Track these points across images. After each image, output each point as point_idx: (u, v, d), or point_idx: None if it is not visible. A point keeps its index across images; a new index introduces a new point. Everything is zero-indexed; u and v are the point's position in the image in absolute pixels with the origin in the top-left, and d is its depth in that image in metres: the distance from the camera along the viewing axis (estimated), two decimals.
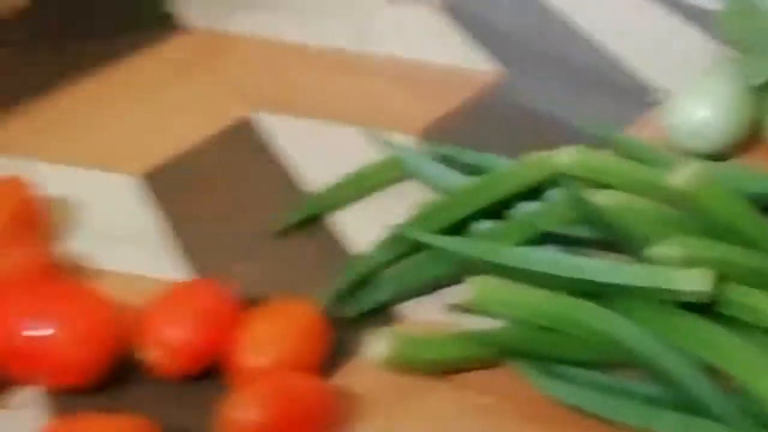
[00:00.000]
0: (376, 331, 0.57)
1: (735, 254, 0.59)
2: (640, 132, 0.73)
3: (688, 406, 0.55)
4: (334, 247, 0.65)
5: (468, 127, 0.74)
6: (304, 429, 0.52)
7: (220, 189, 0.69)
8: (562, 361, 0.57)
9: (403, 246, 0.62)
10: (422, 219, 0.64)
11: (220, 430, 0.52)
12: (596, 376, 0.57)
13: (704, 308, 0.58)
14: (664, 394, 0.56)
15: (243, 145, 0.73)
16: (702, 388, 0.54)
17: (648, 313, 0.57)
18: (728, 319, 0.58)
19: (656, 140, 0.70)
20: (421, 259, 0.62)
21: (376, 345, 0.56)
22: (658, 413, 0.55)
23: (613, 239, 0.61)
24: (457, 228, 0.63)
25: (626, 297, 0.58)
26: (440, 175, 0.68)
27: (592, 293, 0.58)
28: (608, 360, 0.57)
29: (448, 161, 0.69)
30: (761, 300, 0.57)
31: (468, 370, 0.57)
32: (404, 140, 0.72)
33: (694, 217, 0.61)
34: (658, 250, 0.58)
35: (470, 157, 0.69)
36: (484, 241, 0.62)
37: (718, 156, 0.71)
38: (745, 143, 0.72)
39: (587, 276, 0.58)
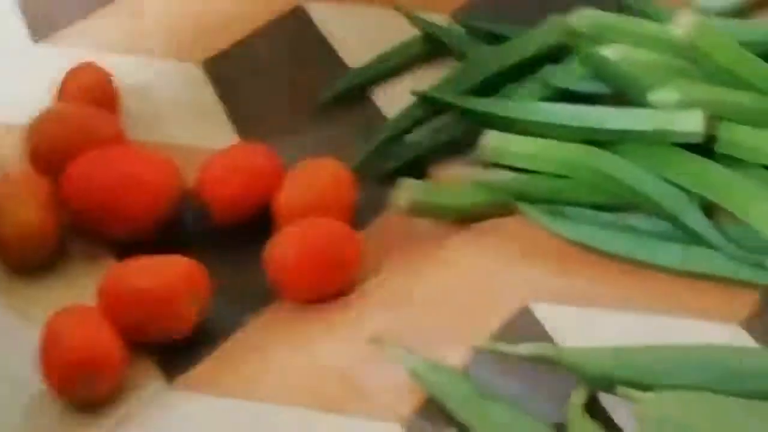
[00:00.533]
0: (400, 182, 0.63)
1: (732, 96, 0.63)
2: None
3: (688, 240, 0.60)
4: (371, 118, 0.71)
5: (498, 5, 0.78)
6: (333, 267, 0.59)
7: (272, 72, 0.76)
8: (571, 203, 0.63)
9: (428, 108, 0.68)
10: (446, 83, 0.70)
11: (265, 268, 0.59)
12: (603, 216, 0.63)
13: (704, 150, 0.63)
14: (666, 230, 0.61)
15: (295, 31, 0.79)
16: (698, 221, 0.60)
17: (650, 155, 0.62)
18: (727, 159, 0.63)
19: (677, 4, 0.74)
20: (445, 120, 0.68)
21: (399, 193, 0.63)
22: (660, 245, 0.60)
23: (620, 92, 0.66)
24: (480, 91, 0.69)
25: (630, 142, 0.63)
26: (471, 47, 0.73)
27: (600, 141, 0.64)
28: (614, 202, 0.63)
29: (479, 36, 0.74)
30: (757, 137, 0.62)
31: (485, 218, 0.63)
32: (438, 18, 0.77)
33: (696, 65, 0.65)
34: (657, 94, 0.64)
35: (500, 29, 0.74)
36: (502, 99, 0.68)
37: (737, 14, 0.74)
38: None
39: (593, 123, 0.64)
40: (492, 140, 0.64)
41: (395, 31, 0.76)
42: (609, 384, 0.52)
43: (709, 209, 0.61)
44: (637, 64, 0.66)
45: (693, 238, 0.60)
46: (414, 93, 0.69)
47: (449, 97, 0.68)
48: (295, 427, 0.54)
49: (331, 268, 0.59)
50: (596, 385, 0.53)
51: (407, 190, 0.63)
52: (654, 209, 0.61)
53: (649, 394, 0.50)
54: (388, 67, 0.74)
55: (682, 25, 0.64)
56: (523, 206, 0.62)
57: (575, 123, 0.64)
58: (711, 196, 0.61)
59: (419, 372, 0.54)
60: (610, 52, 0.66)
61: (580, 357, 0.53)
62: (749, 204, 0.59)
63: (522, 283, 0.60)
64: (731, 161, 0.62)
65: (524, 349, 0.53)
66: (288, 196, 0.62)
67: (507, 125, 0.65)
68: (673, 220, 0.60)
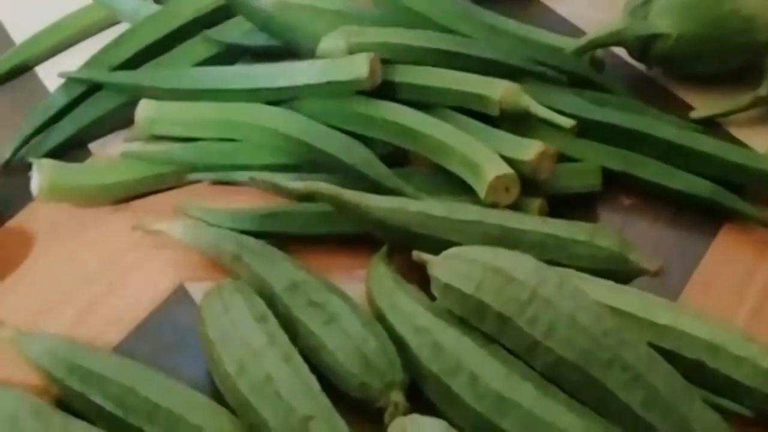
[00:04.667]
0: (37, 166, 0.55)
1: (400, 36, 0.58)
2: None
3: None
4: (34, 95, 0.63)
5: None
6: None
7: None
8: (245, 167, 0.56)
9: (83, 86, 0.61)
10: (101, 56, 0.62)
11: None
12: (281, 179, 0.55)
13: (386, 95, 0.57)
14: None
15: None
16: (376, 169, 0.54)
17: (328, 107, 0.57)
18: (414, 104, 0.57)
19: None
20: (100, 97, 0.60)
21: (37, 178, 0.55)
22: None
23: (292, 43, 0.60)
24: (144, 57, 0.62)
25: (303, 97, 0.57)
26: (146, 11, 0.66)
27: (273, 101, 0.58)
28: (293, 161, 0.57)
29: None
30: (424, 77, 0.57)
31: (146, 195, 0.57)
32: None
33: (371, 9, 0.61)
34: (324, 44, 0.58)
35: None
36: (162, 68, 0.61)
37: None
38: None
39: (260, 83, 0.57)
40: (144, 110, 0.57)
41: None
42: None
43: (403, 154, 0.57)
44: (301, 10, 0.61)
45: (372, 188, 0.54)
46: (61, 74, 0.61)
47: (97, 75, 0.60)
48: None
49: None
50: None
51: (45, 174, 0.55)
52: (333, 162, 0.55)
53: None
54: (57, 40, 0.66)
55: None
56: (194, 175, 0.56)
57: (239, 85, 0.57)
58: (396, 141, 0.55)
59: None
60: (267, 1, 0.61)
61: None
62: (438, 144, 0.54)
63: (177, 265, 0.54)
64: (419, 106, 0.56)
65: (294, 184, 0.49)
66: None
67: (167, 96, 0.58)
68: (353, 171, 0.54)
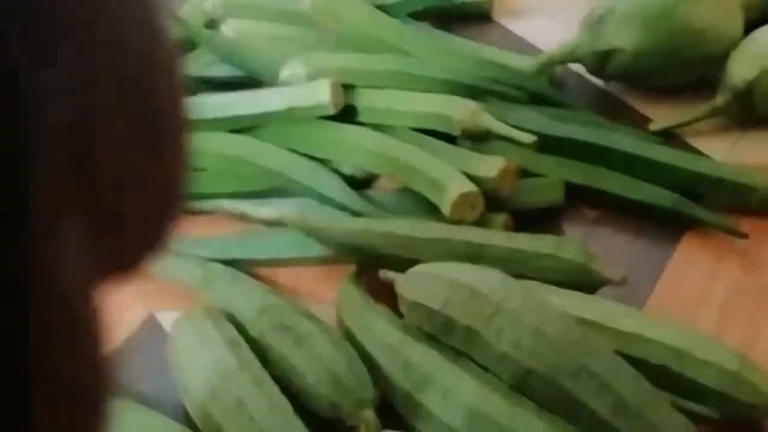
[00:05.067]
0: None
1: (363, 61, 0.59)
2: None
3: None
4: None
5: None
6: None
7: None
8: (210, 196, 0.56)
9: None
10: None
11: None
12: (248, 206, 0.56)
13: (349, 119, 0.58)
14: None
15: None
16: (337, 189, 0.55)
17: (291, 133, 0.57)
18: (380, 127, 0.58)
19: None
20: None
21: None
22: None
23: (255, 72, 0.61)
24: None
25: (267, 124, 0.58)
26: None
27: (238, 129, 0.58)
28: (259, 188, 0.57)
29: None
30: (390, 99, 0.58)
31: None
32: None
33: (328, 35, 0.62)
34: (285, 71, 0.59)
35: None
36: None
37: None
38: None
39: (221, 112, 0.58)
40: None
41: None
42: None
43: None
44: (261, 39, 0.61)
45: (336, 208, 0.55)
46: None
47: None
48: None
49: None
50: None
51: None
52: (299, 187, 0.56)
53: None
54: None
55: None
56: None
57: (203, 115, 0.58)
58: (360, 164, 0.56)
59: None
60: (225, 28, 0.61)
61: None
62: (402, 165, 0.54)
63: (146, 295, 0.54)
64: (381, 128, 0.57)
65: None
66: None
67: None
68: (319, 195, 0.55)
